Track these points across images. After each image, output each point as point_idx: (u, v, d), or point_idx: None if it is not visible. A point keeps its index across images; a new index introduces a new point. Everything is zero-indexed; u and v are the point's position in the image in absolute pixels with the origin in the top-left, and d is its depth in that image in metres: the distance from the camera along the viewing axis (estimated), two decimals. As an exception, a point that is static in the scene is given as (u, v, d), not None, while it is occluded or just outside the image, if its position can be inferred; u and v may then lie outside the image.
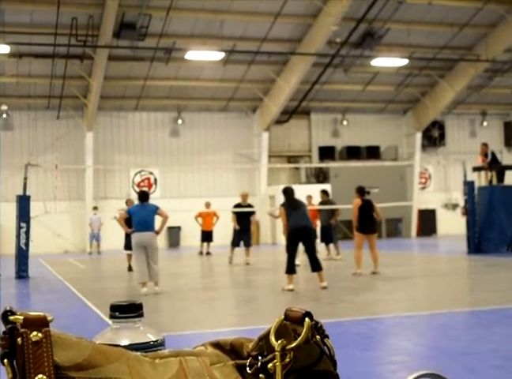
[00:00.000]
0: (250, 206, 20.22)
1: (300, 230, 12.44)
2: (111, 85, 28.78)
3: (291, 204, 12.78)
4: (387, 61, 29.29)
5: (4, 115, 29.04)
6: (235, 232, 19.82)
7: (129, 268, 17.57)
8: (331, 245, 20.24)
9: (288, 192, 13.02)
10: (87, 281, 16.41)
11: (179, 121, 32.09)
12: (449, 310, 9.82)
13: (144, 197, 13.60)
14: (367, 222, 15.53)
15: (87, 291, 13.38)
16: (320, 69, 28.53)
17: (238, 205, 20.28)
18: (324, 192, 21.15)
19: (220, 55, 27.40)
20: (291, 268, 12.48)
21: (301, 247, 13.18)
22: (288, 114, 32.20)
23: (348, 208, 24.11)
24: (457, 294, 12.10)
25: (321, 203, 20.65)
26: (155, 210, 13.28)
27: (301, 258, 16.27)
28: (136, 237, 13.06)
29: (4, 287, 14.92)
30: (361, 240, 15.54)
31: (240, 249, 19.74)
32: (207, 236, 23.83)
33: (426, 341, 7.86)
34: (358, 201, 15.69)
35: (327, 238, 20.09)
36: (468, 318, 9.49)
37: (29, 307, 12.19)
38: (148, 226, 13.10)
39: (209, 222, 23.61)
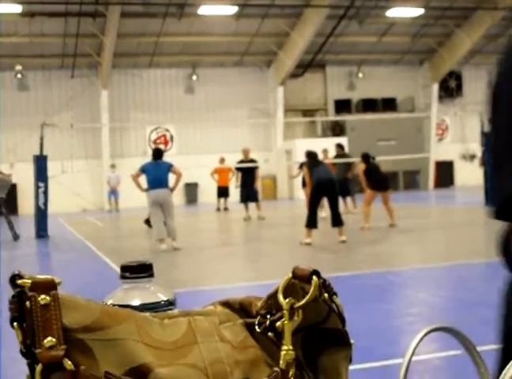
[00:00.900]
0: (252, 161, 20.15)
1: (324, 183, 12.56)
2: (125, 42, 28.64)
3: (313, 161, 13.04)
4: (403, 12, 28.91)
5: (18, 75, 29.02)
6: (241, 189, 19.88)
7: (146, 221, 17.53)
8: (348, 199, 20.22)
9: (312, 155, 13.30)
10: (106, 239, 16.55)
11: (194, 78, 31.96)
12: (467, 262, 9.83)
13: (158, 154, 13.67)
14: (379, 180, 15.69)
15: (106, 249, 13.50)
16: (334, 21, 28.22)
17: (241, 162, 20.27)
18: (339, 145, 21.10)
19: (233, 9, 27.15)
20: (311, 222, 12.56)
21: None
22: (303, 67, 31.97)
23: (382, 159, 24.09)
24: (475, 246, 12.10)
25: (337, 156, 20.58)
26: (169, 167, 13.34)
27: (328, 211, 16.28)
28: (151, 194, 13.11)
29: (24, 246, 15.09)
30: (371, 196, 15.69)
31: (252, 205, 19.78)
32: (223, 192, 23.90)
33: (443, 292, 7.89)
34: (362, 166, 16.00)
35: (344, 192, 20.02)
36: (486, 269, 9.50)
37: (50, 267, 12.34)
38: (162, 183, 13.13)
39: (225, 177, 23.64)
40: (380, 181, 15.73)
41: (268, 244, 13.99)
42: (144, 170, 13.45)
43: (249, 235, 16.50)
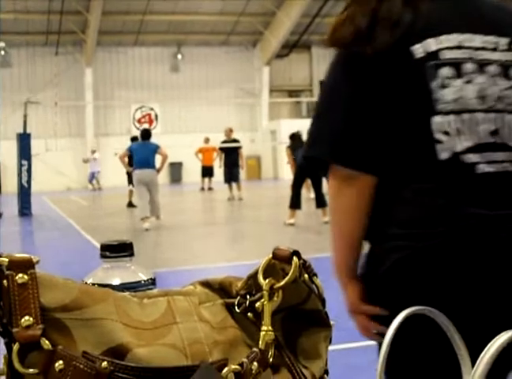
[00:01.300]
0: (235, 141, 20.01)
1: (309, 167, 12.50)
2: (110, 20, 28.41)
3: (297, 142, 13.18)
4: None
5: (2, 52, 28.76)
6: (224, 169, 19.73)
7: (129, 204, 17.78)
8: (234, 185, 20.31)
9: (295, 137, 13.55)
10: (89, 218, 16.50)
11: (179, 56, 31.80)
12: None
13: (146, 135, 13.88)
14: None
15: (89, 228, 13.47)
16: (321, 1, 28.12)
17: (224, 142, 20.17)
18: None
19: (220, -12, 27.00)
20: (294, 203, 12.59)
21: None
22: (289, 48, 31.89)
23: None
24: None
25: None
26: (155, 149, 13.54)
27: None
28: (137, 174, 13.26)
29: (7, 224, 15.03)
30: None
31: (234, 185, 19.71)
32: (207, 171, 23.83)
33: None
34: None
35: (327, 173, 20.01)
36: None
37: (33, 245, 12.31)
38: (149, 163, 13.30)
39: (209, 157, 23.54)
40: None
41: (250, 224, 14.01)
42: (131, 150, 13.70)
43: (231, 215, 16.51)
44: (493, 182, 1.51)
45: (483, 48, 1.57)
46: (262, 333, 0.76)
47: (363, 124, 1.54)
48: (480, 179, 1.50)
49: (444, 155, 1.50)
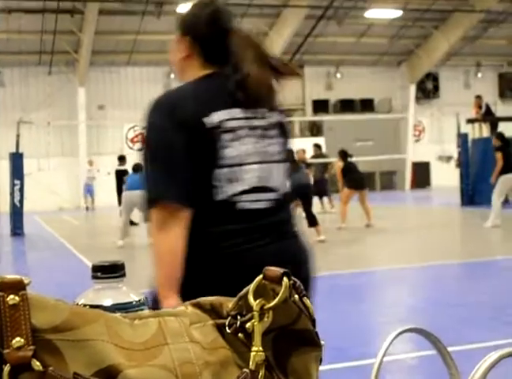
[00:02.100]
0: None
1: (297, 190, 12.52)
2: (103, 40, 28.49)
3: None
4: (381, 13, 29.03)
5: (-5, 72, 28.79)
6: None
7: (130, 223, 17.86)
8: (325, 199, 20.28)
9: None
10: (82, 237, 16.47)
11: (172, 76, 31.83)
12: (442, 262, 9.90)
13: (137, 168, 14.09)
14: (356, 179, 15.82)
15: (82, 248, 13.44)
16: (313, 21, 28.28)
17: None
18: (316, 145, 21.16)
19: (212, 8, 27.10)
20: None
21: None
22: (282, 67, 31.97)
23: (359, 159, 24.09)
24: (450, 246, 12.18)
25: (314, 156, 20.61)
26: None
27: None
28: (126, 196, 13.63)
29: (-1, 244, 14.98)
30: (348, 195, 15.76)
31: None
32: None
33: (418, 293, 7.94)
34: (340, 165, 16.23)
35: (321, 192, 20.05)
36: (461, 270, 9.58)
37: (25, 265, 12.26)
38: (140, 185, 13.17)
39: None
40: (357, 179, 15.82)
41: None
42: (125, 181, 14.65)
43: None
44: (258, 216, 2.16)
45: (251, 118, 2.20)
46: (253, 353, 0.76)
47: (183, 172, 2.11)
48: (243, 216, 2.15)
49: (220, 197, 2.13)
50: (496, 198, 14.38)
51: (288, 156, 2.33)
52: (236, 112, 2.18)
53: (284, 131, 2.32)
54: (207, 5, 2.35)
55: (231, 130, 2.15)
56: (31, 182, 23.26)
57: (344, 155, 16.22)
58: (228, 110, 2.16)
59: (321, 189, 20.00)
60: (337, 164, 16.39)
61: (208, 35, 2.28)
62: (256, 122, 2.21)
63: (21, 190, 17.56)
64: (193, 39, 2.27)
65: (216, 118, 2.14)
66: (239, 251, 2.13)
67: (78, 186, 29.68)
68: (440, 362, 1.05)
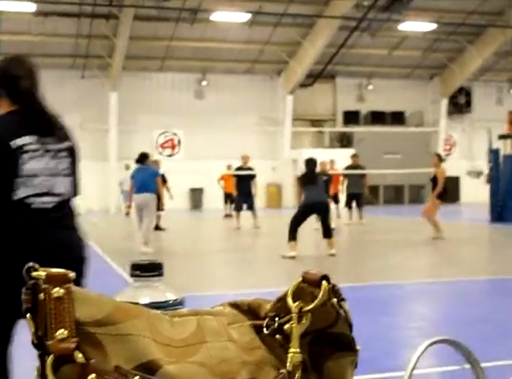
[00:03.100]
0: (250, 169, 19.68)
1: (315, 206, 12.46)
2: (136, 45, 28.69)
3: (309, 176, 12.77)
4: (415, 26, 28.93)
5: (29, 74, 29.05)
6: (237, 197, 19.36)
7: (156, 228, 17.91)
8: (354, 210, 20.01)
9: (309, 163, 13.01)
10: (109, 240, 16.56)
11: (204, 83, 32.02)
12: (470, 278, 9.82)
13: (142, 158, 13.95)
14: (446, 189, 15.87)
15: (109, 250, 13.51)
16: (346, 32, 28.27)
17: (239, 168, 19.92)
18: (356, 155, 20.89)
19: (246, 17, 27.21)
20: (292, 236, 12.27)
21: None
22: (313, 77, 32.00)
23: (375, 172, 23.99)
24: (478, 262, 12.08)
25: (353, 167, 20.27)
26: (154, 174, 13.69)
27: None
28: (135, 199, 13.41)
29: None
30: (439, 206, 15.79)
31: (247, 213, 19.20)
32: (230, 198, 23.77)
33: (444, 307, 7.89)
34: (444, 169, 16.02)
35: (358, 205, 19.85)
36: (487, 286, 9.49)
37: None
38: (147, 187, 13.27)
39: (231, 184, 23.53)
40: (446, 190, 15.73)
41: (269, 252, 13.96)
42: (133, 176, 13.85)
43: (240, 244, 16.36)
44: (45, 212, 3.07)
45: (46, 143, 3.10)
46: (290, 355, 0.77)
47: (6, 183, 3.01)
48: (34, 212, 3.04)
49: (17, 197, 2.99)
50: None
51: (74, 172, 3.30)
52: (34, 138, 3.06)
53: (72, 153, 3.28)
54: (9, 60, 3.31)
55: (30, 151, 3.04)
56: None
57: (440, 158, 16.00)
58: (29, 137, 3.05)
59: (359, 202, 19.81)
60: (442, 169, 15.92)
61: (8, 82, 3.18)
62: (50, 147, 3.12)
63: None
64: (0, 86, 3.17)
65: (19, 141, 3.02)
66: (30, 236, 3.01)
67: (107, 190, 29.86)
68: (467, 378, 1.05)
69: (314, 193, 12.43)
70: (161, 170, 19.85)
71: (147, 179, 13.35)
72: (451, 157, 35.54)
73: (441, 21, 28.64)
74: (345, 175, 20.16)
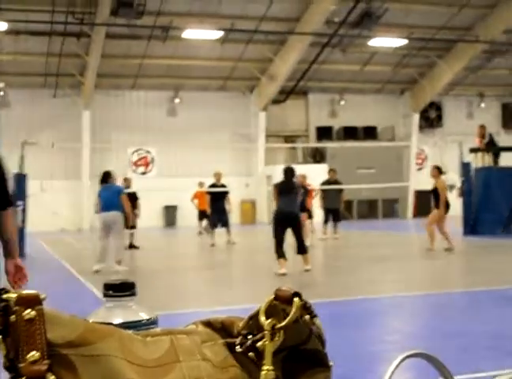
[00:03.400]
0: (223, 186, 19.71)
1: (284, 216, 12.38)
2: (108, 63, 28.64)
3: (284, 186, 12.75)
4: (385, 42, 29.19)
5: (1, 93, 28.90)
6: (212, 214, 19.32)
7: (130, 246, 17.98)
8: (329, 225, 20.08)
9: (287, 172, 12.98)
10: (83, 260, 16.43)
11: (177, 100, 32.02)
12: (443, 291, 9.87)
13: (104, 177, 14.02)
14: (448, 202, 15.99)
15: (83, 270, 13.40)
16: (318, 48, 28.45)
17: (212, 185, 19.92)
18: (333, 170, 20.93)
19: (218, 34, 27.29)
20: (280, 253, 12.17)
21: None
22: (286, 93, 32.14)
23: (349, 187, 24.05)
24: (452, 275, 12.16)
25: (329, 182, 20.31)
26: (119, 191, 13.69)
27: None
28: (101, 217, 13.41)
29: (1, 265, 14.92)
30: (444, 218, 15.87)
31: (221, 230, 19.23)
32: (205, 215, 23.62)
33: (419, 321, 7.92)
34: (444, 180, 16.23)
35: (335, 220, 19.93)
36: (462, 299, 9.55)
37: (26, 287, 12.21)
38: (113, 205, 13.28)
39: (205, 201, 23.39)
40: (448, 202, 15.90)
41: (243, 269, 13.95)
42: (99, 195, 13.81)
43: (216, 260, 16.36)
44: None
45: None
46: (263, 372, 0.77)
47: None
48: None
49: None
50: None
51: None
52: None
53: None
54: None
55: None
56: (33, 204, 23.27)
57: (440, 170, 16.22)
58: None
59: (337, 217, 19.89)
60: (442, 181, 16.19)
61: None
62: None
63: (24, 211, 17.56)
64: None
65: None
66: None
67: (81, 208, 29.69)
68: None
69: (286, 203, 12.42)
70: (133, 188, 19.88)
71: (112, 197, 13.34)
72: (423, 171, 35.80)
73: (411, 37, 28.93)
74: (323, 190, 20.19)
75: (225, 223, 19.18)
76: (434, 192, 15.92)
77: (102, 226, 13.39)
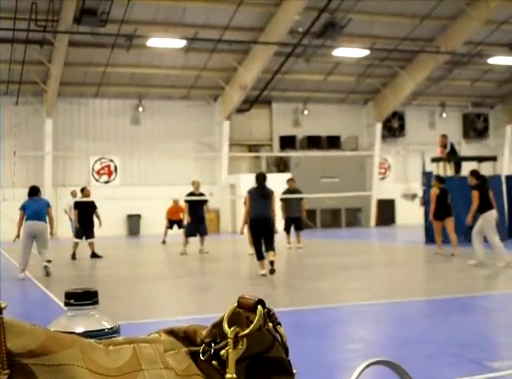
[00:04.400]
0: (201, 195, 19.72)
1: (259, 222, 12.69)
2: (72, 71, 28.46)
3: (258, 192, 12.97)
4: (348, 52, 29.40)
5: (-39, 100, 28.55)
6: (189, 222, 19.27)
7: (93, 255, 18.04)
8: (292, 234, 20.20)
9: (259, 178, 13.23)
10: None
11: (140, 109, 31.90)
12: (406, 299, 9.94)
13: (32, 192, 14.42)
14: (444, 208, 16.61)
15: (45, 279, 13.27)
16: (282, 58, 28.56)
17: (190, 194, 19.91)
18: (292, 179, 21.05)
19: (182, 43, 27.27)
20: (258, 255, 12.85)
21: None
22: (250, 103, 32.20)
23: (312, 196, 24.17)
24: (414, 283, 12.25)
25: (290, 191, 20.40)
26: (47, 204, 14.22)
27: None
28: (28, 225, 13.70)
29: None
30: (440, 226, 16.79)
31: (195, 239, 19.33)
32: (177, 224, 23.24)
33: (383, 329, 7.96)
34: (436, 190, 16.72)
35: (298, 228, 20.10)
36: (425, 307, 9.63)
37: (-14, 295, 12.05)
38: (41, 216, 13.83)
39: (177, 215, 23.14)
40: (444, 209, 16.60)
41: (210, 277, 13.93)
42: (24, 207, 14.08)
43: (194, 268, 16.37)
44: None
45: None
46: (227, 381, 0.77)
47: None
48: None
49: None
50: (492, 236, 14.06)
51: None
52: None
53: None
54: None
55: None
56: (-6, 212, 23.00)
57: (440, 179, 17.00)
58: None
59: (299, 225, 20.08)
60: (433, 190, 16.88)
61: None
62: None
63: (-16, 220, 17.35)
64: None
65: None
66: None
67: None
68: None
69: (260, 209, 12.76)
70: (95, 197, 19.81)
71: (40, 209, 13.88)
72: (386, 180, 36.12)
73: (374, 47, 29.19)
74: (283, 199, 20.22)
75: (204, 232, 19.25)
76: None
77: (27, 234, 13.77)
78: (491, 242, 14.03)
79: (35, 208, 13.83)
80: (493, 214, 14.27)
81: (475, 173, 15.00)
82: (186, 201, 19.56)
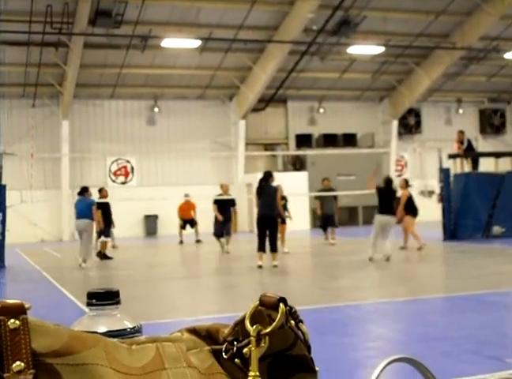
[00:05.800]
0: (230, 197, 20.25)
1: (263, 219, 13.65)
2: (87, 73, 28.57)
3: (261, 190, 13.80)
4: (363, 49, 29.32)
5: (-22, 103, 28.74)
6: (218, 222, 19.58)
7: (99, 254, 18.07)
8: (329, 230, 20.83)
9: (264, 176, 14.02)
10: (64, 270, 16.34)
11: (156, 110, 31.96)
12: (425, 296, 9.91)
13: (81, 191, 16.79)
14: (415, 206, 18.38)
15: (64, 280, 13.33)
16: (296, 56, 28.52)
17: (220, 196, 20.22)
18: (327, 179, 21.55)
19: (197, 43, 27.29)
20: (259, 247, 13.80)
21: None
22: (265, 102, 32.18)
23: (331, 194, 24.30)
24: (433, 281, 12.20)
25: (325, 190, 21.04)
26: (91, 203, 16.54)
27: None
28: (75, 223, 16.56)
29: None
30: (414, 221, 18.25)
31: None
32: (190, 223, 23.90)
33: (402, 327, 7.94)
34: (405, 193, 18.32)
35: (332, 225, 20.83)
36: (444, 304, 9.59)
37: (6, 297, 12.11)
38: (85, 215, 16.15)
39: (188, 213, 23.64)
40: (415, 207, 18.29)
41: (230, 277, 13.94)
42: (75, 206, 16.80)
43: (211, 268, 16.41)
44: None
45: None
46: (250, 378, 0.77)
47: None
48: None
49: None
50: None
51: None
52: None
53: None
54: None
55: None
56: (13, 214, 23.13)
57: (407, 183, 18.24)
58: None
59: (333, 223, 20.66)
60: (404, 193, 18.19)
61: None
62: None
63: (3, 222, 17.44)
64: None
65: None
66: None
67: (60, 218, 29.53)
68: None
69: (264, 206, 13.67)
70: (109, 199, 20.05)
71: (84, 208, 16.18)
72: (403, 177, 35.95)
73: (389, 44, 29.10)
74: (319, 197, 20.95)
75: (228, 232, 19.65)
76: (398, 199, 17.67)
77: (76, 231, 16.93)
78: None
79: (79, 207, 16.29)
80: None
81: None
82: (215, 202, 19.80)
